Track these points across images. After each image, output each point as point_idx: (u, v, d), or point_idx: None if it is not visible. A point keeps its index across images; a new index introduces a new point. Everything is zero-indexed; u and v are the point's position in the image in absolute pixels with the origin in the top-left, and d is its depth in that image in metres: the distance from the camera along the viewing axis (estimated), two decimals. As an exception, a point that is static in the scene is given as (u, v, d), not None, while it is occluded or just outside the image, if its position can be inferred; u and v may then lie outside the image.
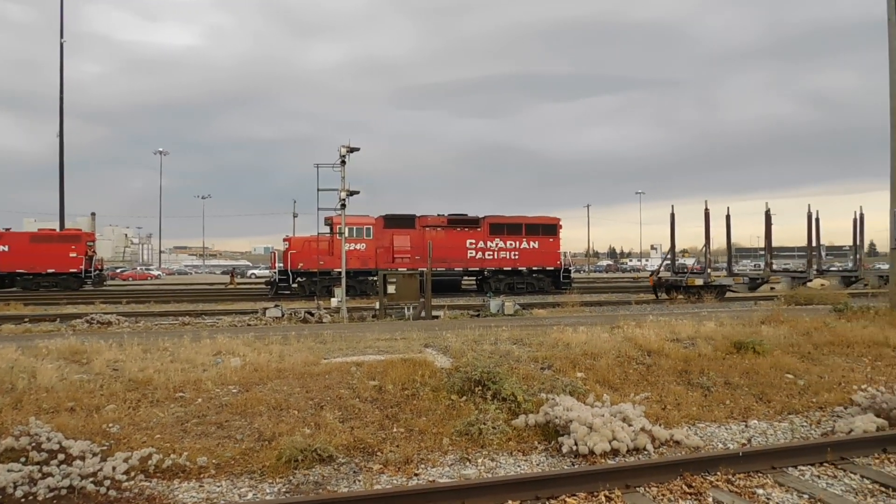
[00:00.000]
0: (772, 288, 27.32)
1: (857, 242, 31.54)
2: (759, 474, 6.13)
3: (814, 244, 30.67)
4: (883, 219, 14.64)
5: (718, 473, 6.03)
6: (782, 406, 8.46)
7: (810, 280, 28.68)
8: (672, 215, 27.16)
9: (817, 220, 30.32)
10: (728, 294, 25.98)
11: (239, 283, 47.39)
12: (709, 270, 25.77)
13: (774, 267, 33.89)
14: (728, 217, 27.02)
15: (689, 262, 37.60)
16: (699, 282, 25.12)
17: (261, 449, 6.42)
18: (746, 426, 7.84)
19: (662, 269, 27.54)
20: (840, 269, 36.67)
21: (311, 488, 5.80)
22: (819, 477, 6.14)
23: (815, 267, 29.89)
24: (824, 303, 18.68)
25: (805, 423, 8.02)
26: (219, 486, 5.80)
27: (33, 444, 5.79)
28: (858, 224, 30.73)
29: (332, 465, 6.22)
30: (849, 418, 7.79)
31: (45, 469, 5.46)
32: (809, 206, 29.80)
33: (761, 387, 8.93)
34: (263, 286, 36.63)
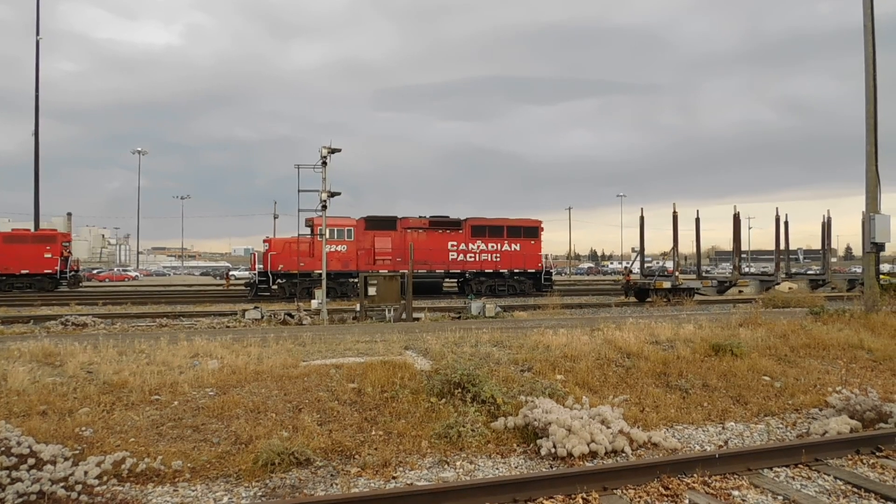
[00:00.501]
0: (740, 291, 27.50)
1: (825, 246, 31.81)
2: (735, 476, 6.18)
3: (784, 248, 30.96)
4: (859, 223, 14.87)
5: (695, 475, 6.06)
6: (759, 408, 8.55)
7: (778, 283, 28.89)
8: (641, 218, 27.34)
9: (786, 223, 30.65)
10: (697, 297, 26.10)
11: (219, 285, 46.87)
12: (676, 273, 25.88)
13: (753, 270, 34.21)
14: (697, 220, 27.24)
15: (669, 265, 37.83)
16: (666, 285, 25.20)
17: (237, 452, 6.35)
18: (723, 428, 7.90)
19: (633, 271, 27.74)
20: (815, 272, 37.03)
21: (288, 492, 5.74)
22: (794, 478, 6.20)
23: (782, 270, 30.16)
24: (801, 306, 18.93)
25: (781, 425, 8.10)
26: (193, 491, 5.72)
27: (2, 449, 5.65)
28: (826, 228, 31.02)
29: (310, 469, 6.17)
30: (824, 420, 7.89)
31: (13, 474, 5.33)
32: (777, 209, 29.91)
33: (738, 389, 9.02)
34: (243, 288, 36.30)
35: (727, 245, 31.06)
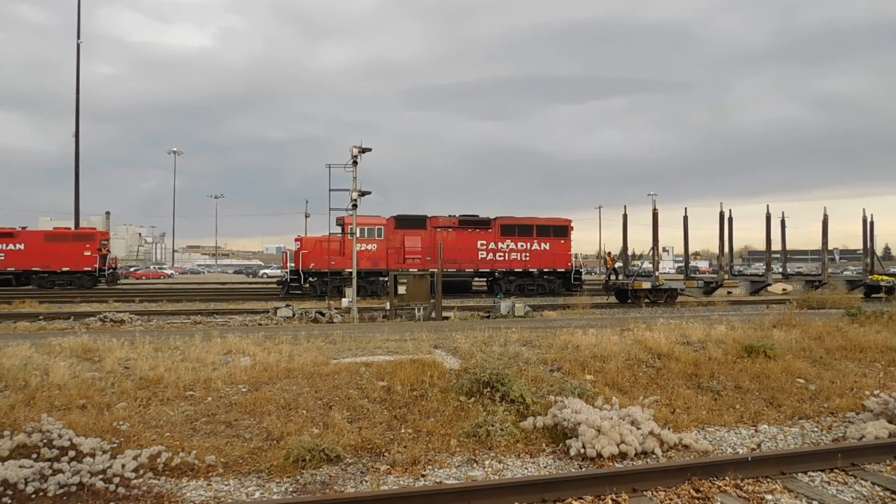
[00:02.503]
0: (728, 292, 26.47)
1: (825, 246, 30.46)
2: (768, 480, 6.09)
3: (781, 248, 30.00)
4: (896, 223, 14.46)
5: (727, 478, 5.99)
6: (793, 411, 8.40)
7: (770, 284, 27.80)
8: (625, 216, 26.70)
9: (783, 222, 29.58)
10: (680, 298, 25.26)
11: (252, 283, 47.46)
12: (657, 274, 25.18)
13: (790, 271, 33.16)
14: (685, 218, 26.55)
15: (702, 264, 37.26)
16: (646, 285, 24.35)
17: (269, 448, 6.46)
18: (756, 431, 7.79)
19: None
20: (852, 273, 35.76)
21: (318, 488, 5.82)
22: (829, 483, 6.09)
23: (777, 271, 29.20)
24: (837, 307, 18.53)
25: (816, 429, 7.96)
26: (226, 485, 5.84)
27: (45, 441, 5.85)
28: (825, 227, 29.78)
29: (340, 466, 6.25)
30: (860, 424, 7.72)
31: (55, 466, 5.52)
32: (768, 206, 28.30)
33: (772, 391, 8.88)
34: (275, 286, 36.77)
35: (760, 245, 30.06)
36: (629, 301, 24.57)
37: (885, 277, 28.48)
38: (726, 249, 28.03)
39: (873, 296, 26.98)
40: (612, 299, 26.04)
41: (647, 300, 24.00)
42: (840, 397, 8.83)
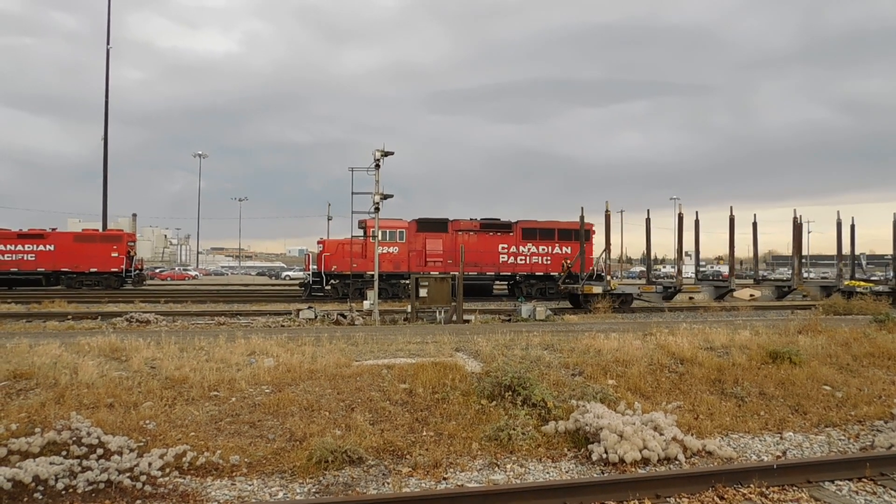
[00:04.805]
0: (690, 298, 25.73)
1: (797, 251, 29.50)
2: (794, 488, 6.01)
3: (753, 252, 29.41)
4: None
5: (752, 486, 5.93)
6: (819, 418, 8.28)
7: (734, 290, 26.98)
8: (581, 217, 26.32)
9: (755, 224, 28.88)
10: (636, 304, 24.54)
11: (274, 285, 47.79)
12: (608, 277, 24.60)
13: (813, 275, 32.50)
14: (647, 220, 26.07)
15: (723, 269, 36.78)
16: (597, 290, 23.49)
17: (292, 449, 6.52)
18: (781, 438, 7.69)
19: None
20: (879, 278, 34.76)
21: (341, 489, 5.87)
22: (857, 493, 6.00)
23: (750, 275, 28.55)
24: (865, 313, 18.21)
25: (843, 437, 7.84)
26: (250, 485, 5.90)
27: (74, 439, 5.97)
28: (797, 232, 28.91)
29: (362, 467, 6.29)
30: (889, 433, 7.60)
31: (84, 463, 5.63)
32: (731, 208, 27.27)
33: (797, 398, 8.76)
34: (297, 288, 37.05)
35: (784, 249, 29.62)
36: (584, 306, 24.08)
37: (861, 283, 27.72)
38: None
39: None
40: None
41: (598, 305, 23.53)
42: (868, 405, 8.68)
